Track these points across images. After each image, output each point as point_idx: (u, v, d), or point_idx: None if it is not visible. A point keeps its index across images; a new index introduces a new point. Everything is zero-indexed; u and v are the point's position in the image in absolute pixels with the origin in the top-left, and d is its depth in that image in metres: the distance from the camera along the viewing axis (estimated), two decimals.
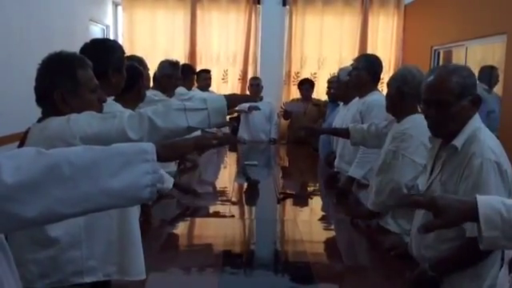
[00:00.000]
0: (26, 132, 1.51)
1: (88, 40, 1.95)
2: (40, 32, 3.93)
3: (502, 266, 1.53)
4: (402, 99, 2.26)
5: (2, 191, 0.81)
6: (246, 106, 4.93)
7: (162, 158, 0.99)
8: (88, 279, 1.50)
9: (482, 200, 1.00)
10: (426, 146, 2.02)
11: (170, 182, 2.52)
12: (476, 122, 1.68)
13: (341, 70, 3.74)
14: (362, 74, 3.01)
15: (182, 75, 4.13)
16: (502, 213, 0.98)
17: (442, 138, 1.76)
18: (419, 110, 2.13)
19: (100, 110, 1.54)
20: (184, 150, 1.12)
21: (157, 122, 1.40)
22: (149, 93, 2.76)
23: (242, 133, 5.25)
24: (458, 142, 1.65)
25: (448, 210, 1.00)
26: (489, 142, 1.62)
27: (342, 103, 3.76)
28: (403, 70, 2.35)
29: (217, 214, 2.57)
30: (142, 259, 1.61)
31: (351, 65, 3.17)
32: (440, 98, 1.65)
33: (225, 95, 1.57)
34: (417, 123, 2.15)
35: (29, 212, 0.83)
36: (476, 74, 4.50)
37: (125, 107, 1.95)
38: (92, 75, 1.52)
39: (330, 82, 4.49)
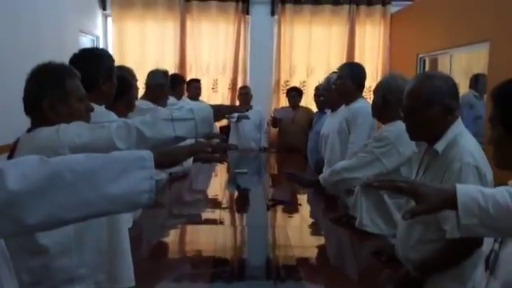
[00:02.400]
0: (16, 142, 1.52)
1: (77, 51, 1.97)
2: (30, 43, 3.95)
3: None
4: (386, 106, 2.32)
5: (7, 197, 0.85)
6: (235, 115, 4.99)
7: (159, 164, 1.02)
8: (78, 287, 1.51)
9: (460, 189, 1.04)
10: (399, 152, 2.15)
11: (189, 160, 2.50)
12: (458, 128, 1.73)
13: (327, 77, 3.80)
14: (347, 83, 3.06)
15: (171, 85, 4.18)
16: (480, 201, 1.02)
17: (421, 141, 1.82)
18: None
19: (87, 120, 1.56)
20: (180, 157, 1.16)
21: (145, 132, 1.43)
22: (138, 103, 2.79)
23: (232, 141, 5.28)
24: (439, 146, 1.71)
25: (429, 196, 1.03)
26: (469, 146, 1.67)
27: (329, 111, 3.81)
28: (388, 78, 2.42)
29: (208, 222, 2.59)
30: (131, 267, 1.63)
31: (335, 73, 3.23)
32: (409, 104, 1.73)
33: (212, 105, 1.61)
34: (398, 129, 2.23)
35: (31, 218, 0.86)
36: (467, 82, 4.64)
37: None
38: (80, 85, 1.54)
39: (317, 89, 4.54)
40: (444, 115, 1.71)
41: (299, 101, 5.42)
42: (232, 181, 3.67)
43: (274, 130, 5.72)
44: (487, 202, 1.02)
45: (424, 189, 1.05)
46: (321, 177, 2.46)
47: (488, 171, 1.65)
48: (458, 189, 1.03)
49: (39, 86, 1.48)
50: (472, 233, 1.04)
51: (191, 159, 2.51)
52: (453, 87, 1.75)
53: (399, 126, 2.22)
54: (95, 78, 1.80)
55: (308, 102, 5.64)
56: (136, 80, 2.77)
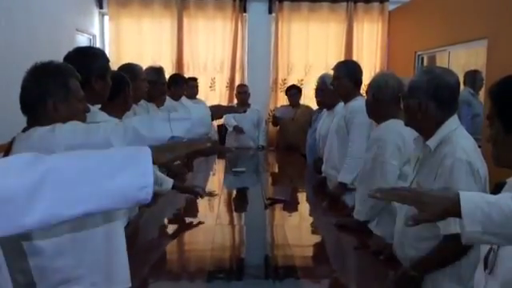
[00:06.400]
0: (11, 142, 1.51)
1: None
2: (26, 42, 3.92)
3: None
4: (377, 105, 2.32)
5: (3, 195, 0.83)
6: (232, 122, 5.06)
7: (157, 160, 1.01)
8: None
9: (464, 196, 1.02)
10: (400, 148, 2.13)
11: (169, 183, 2.51)
12: (452, 124, 1.72)
13: (321, 77, 3.80)
14: (345, 82, 3.05)
15: (172, 84, 4.15)
16: (483, 208, 1.00)
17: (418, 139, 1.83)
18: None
19: (84, 120, 1.55)
20: (179, 152, 1.14)
21: (141, 131, 1.42)
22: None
23: (230, 140, 5.28)
24: (431, 142, 1.71)
25: (432, 205, 1.02)
26: (462, 142, 1.66)
27: (325, 110, 3.80)
28: (378, 78, 2.42)
29: (205, 220, 2.58)
30: (127, 267, 1.61)
31: (332, 69, 3.21)
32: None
33: (209, 106, 1.60)
34: (389, 128, 2.23)
35: (29, 216, 0.85)
36: (461, 79, 4.64)
37: (111, 115, 1.96)
38: (79, 85, 1.53)
39: (317, 89, 4.43)
40: (419, 110, 1.73)
41: (299, 98, 5.40)
42: (230, 179, 3.66)
43: (273, 129, 5.71)
44: (491, 208, 1.00)
45: (427, 197, 1.04)
46: (355, 214, 2.29)
47: (481, 167, 1.64)
48: (461, 196, 1.02)
49: (43, 85, 1.46)
50: (476, 240, 1.02)
51: (171, 184, 2.56)
52: (436, 86, 1.76)
53: (390, 126, 2.22)
54: (87, 76, 1.77)
55: (306, 99, 5.63)
56: (143, 79, 2.77)
